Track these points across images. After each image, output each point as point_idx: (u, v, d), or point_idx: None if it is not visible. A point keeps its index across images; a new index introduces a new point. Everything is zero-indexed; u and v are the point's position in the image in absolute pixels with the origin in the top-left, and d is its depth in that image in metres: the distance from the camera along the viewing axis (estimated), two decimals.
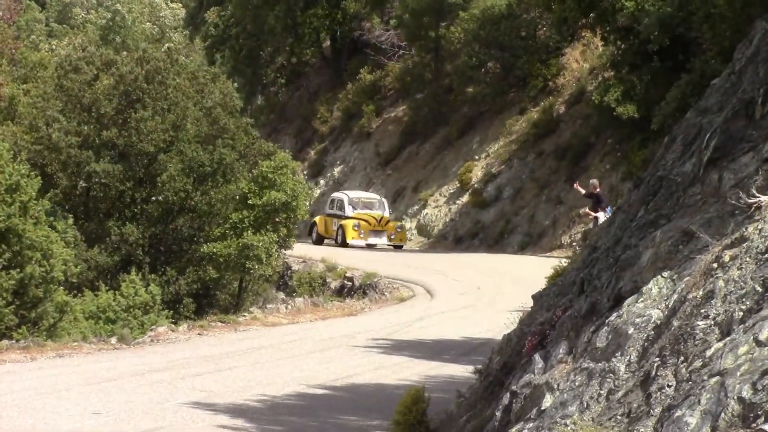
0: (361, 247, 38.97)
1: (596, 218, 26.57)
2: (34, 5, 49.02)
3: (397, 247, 39.94)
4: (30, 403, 16.67)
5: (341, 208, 40.83)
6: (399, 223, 41.01)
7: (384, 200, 42.13)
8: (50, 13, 52.05)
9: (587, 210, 27.17)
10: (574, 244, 36.05)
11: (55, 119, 28.78)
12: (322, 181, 54.14)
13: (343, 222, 39.88)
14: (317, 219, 41.51)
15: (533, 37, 45.37)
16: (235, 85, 33.47)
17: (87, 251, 28.61)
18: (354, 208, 40.34)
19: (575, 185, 29.54)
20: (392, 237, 39.82)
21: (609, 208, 25.02)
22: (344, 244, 38.97)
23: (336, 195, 42.86)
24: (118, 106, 29.17)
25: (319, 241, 40.81)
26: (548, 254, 35.84)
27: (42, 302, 25.79)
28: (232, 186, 29.25)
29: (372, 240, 39.40)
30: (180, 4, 55.32)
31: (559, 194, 42.26)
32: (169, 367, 20.59)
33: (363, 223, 39.51)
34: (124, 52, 31.53)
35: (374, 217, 39.72)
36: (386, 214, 40.65)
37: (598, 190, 27.90)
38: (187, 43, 54.52)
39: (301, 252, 37.05)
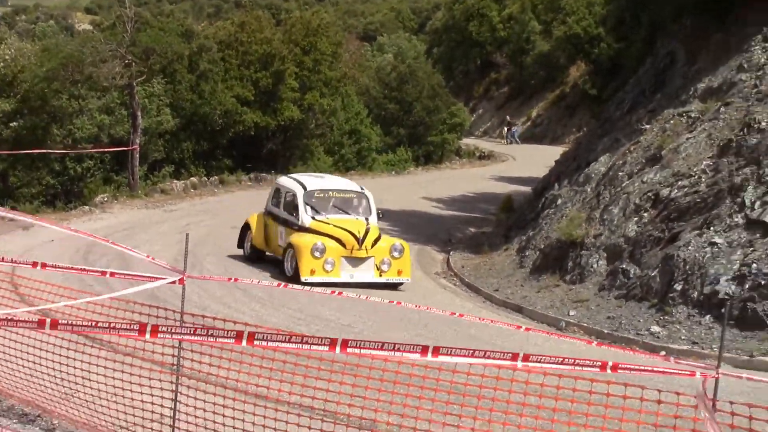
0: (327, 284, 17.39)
1: None
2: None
3: (393, 285, 18.55)
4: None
5: (292, 207, 19.33)
6: (398, 241, 18.98)
7: (368, 193, 19.73)
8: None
9: None
10: None
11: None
12: None
13: (295, 238, 18.58)
14: (251, 219, 20.92)
15: None
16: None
17: None
18: (316, 209, 19.08)
19: None
20: (384, 268, 18.40)
21: None
22: (296, 279, 17.58)
23: (284, 182, 20.57)
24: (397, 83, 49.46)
25: (255, 255, 20.54)
26: None
27: None
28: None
29: (347, 274, 18.15)
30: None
31: None
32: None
33: (332, 244, 18.20)
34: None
35: (353, 232, 18.40)
36: (372, 219, 19.17)
37: None
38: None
39: (467, 141, 54.91)
